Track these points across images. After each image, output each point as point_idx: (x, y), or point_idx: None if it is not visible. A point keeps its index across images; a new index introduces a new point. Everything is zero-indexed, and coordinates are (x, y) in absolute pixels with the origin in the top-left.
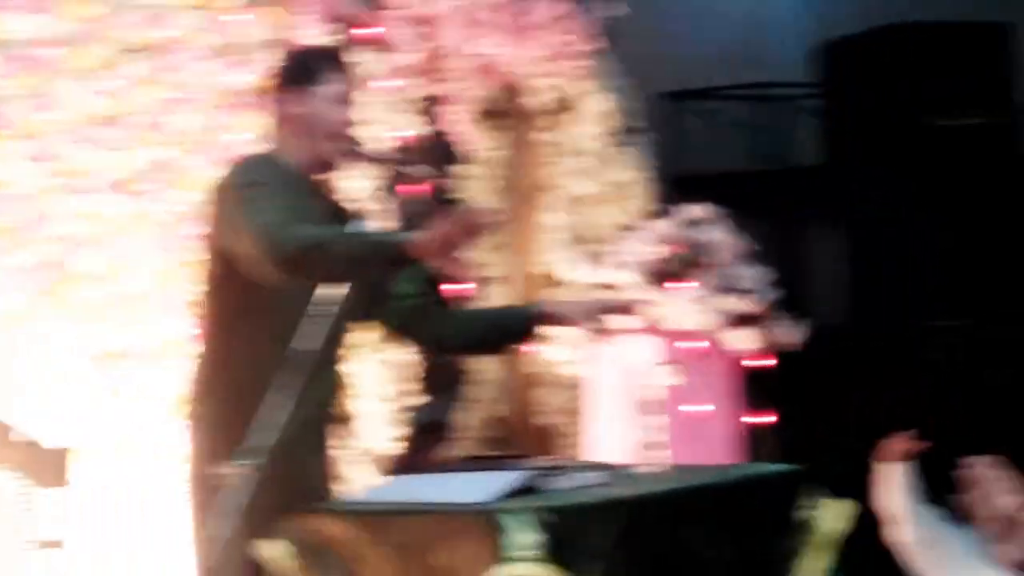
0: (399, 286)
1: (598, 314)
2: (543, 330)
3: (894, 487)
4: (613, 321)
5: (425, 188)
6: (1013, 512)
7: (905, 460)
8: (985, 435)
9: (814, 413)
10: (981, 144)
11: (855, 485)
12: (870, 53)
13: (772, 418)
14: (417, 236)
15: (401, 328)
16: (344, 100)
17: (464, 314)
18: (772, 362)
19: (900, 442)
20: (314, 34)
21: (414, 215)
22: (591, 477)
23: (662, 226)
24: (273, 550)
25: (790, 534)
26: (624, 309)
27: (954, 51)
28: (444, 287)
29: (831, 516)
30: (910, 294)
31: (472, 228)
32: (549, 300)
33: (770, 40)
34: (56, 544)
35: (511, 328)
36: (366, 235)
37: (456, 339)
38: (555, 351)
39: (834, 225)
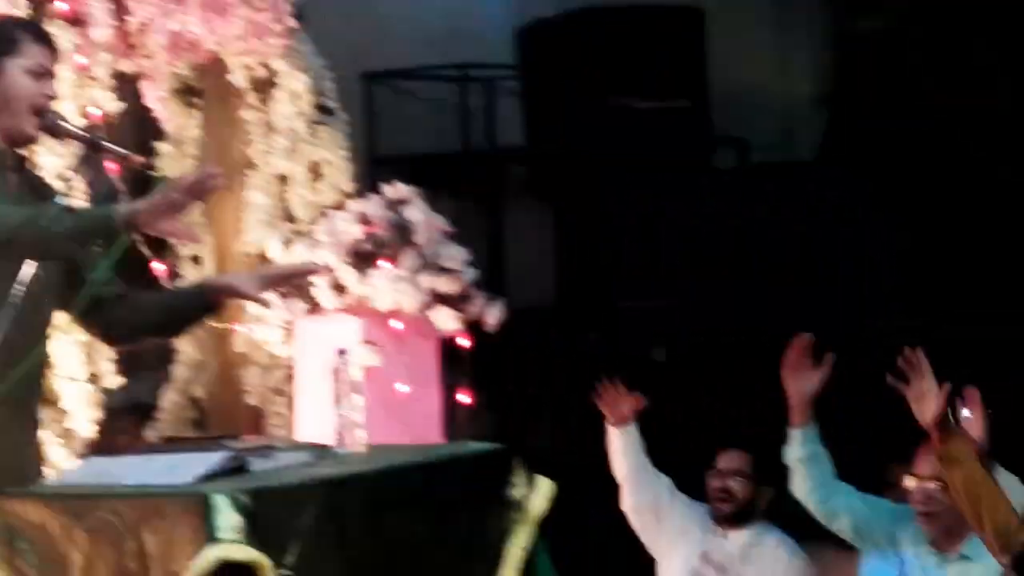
0: (92, 272)
1: (276, 283)
2: (223, 306)
3: (620, 451)
4: (320, 297)
5: (123, 166)
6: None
7: (629, 422)
8: None
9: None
10: (677, 126)
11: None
12: (565, 36)
13: (470, 399)
14: (138, 204)
15: (83, 317)
16: (44, 72)
17: (138, 302)
18: (469, 342)
19: (625, 402)
20: (5, 6)
21: (111, 192)
22: (295, 458)
23: (364, 206)
24: None
25: (497, 513)
26: (304, 272)
27: (646, 34)
28: (150, 266)
29: (537, 494)
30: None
31: (194, 192)
32: (225, 274)
33: (475, 21)
34: None
35: (187, 309)
36: (77, 210)
37: (132, 329)
38: (261, 331)
39: (536, 207)
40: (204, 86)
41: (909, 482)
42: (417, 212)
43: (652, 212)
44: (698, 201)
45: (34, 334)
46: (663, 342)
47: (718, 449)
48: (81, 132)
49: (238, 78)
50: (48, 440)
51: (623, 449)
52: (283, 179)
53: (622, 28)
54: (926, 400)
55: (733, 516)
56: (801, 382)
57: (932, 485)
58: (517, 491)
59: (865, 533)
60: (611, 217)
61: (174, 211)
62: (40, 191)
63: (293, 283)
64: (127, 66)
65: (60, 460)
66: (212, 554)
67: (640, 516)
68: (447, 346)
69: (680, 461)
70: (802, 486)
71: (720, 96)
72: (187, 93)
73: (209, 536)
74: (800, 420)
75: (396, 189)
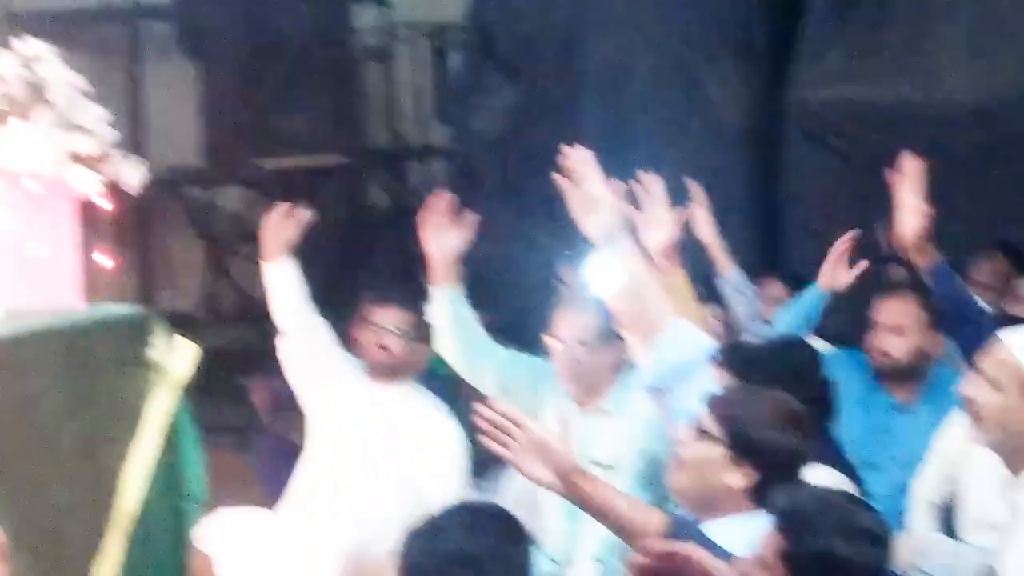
0: None
1: None
2: None
3: (278, 289)
4: None
5: None
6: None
7: (284, 256)
8: None
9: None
10: None
11: None
12: None
13: (110, 261)
14: None
15: None
16: None
17: None
18: (108, 203)
19: (282, 230)
20: None
21: None
22: None
23: None
24: None
25: (138, 375)
26: None
27: None
28: None
29: (179, 357)
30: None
31: None
32: None
33: None
34: None
35: None
36: None
37: None
38: None
39: (180, 65)
40: None
41: (552, 343)
42: (53, 70)
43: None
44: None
45: None
46: (307, 200)
47: (374, 303)
48: None
49: None
50: None
51: (281, 287)
52: None
53: None
54: (592, 211)
55: (387, 371)
56: (441, 240)
57: (575, 348)
58: (157, 353)
59: (510, 389)
60: (258, 75)
61: None
62: None
63: None
64: None
65: None
66: None
67: (296, 362)
68: (86, 207)
69: (337, 312)
70: (447, 347)
71: None
72: None
73: None
74: (442, 280)
75: (31, 46)
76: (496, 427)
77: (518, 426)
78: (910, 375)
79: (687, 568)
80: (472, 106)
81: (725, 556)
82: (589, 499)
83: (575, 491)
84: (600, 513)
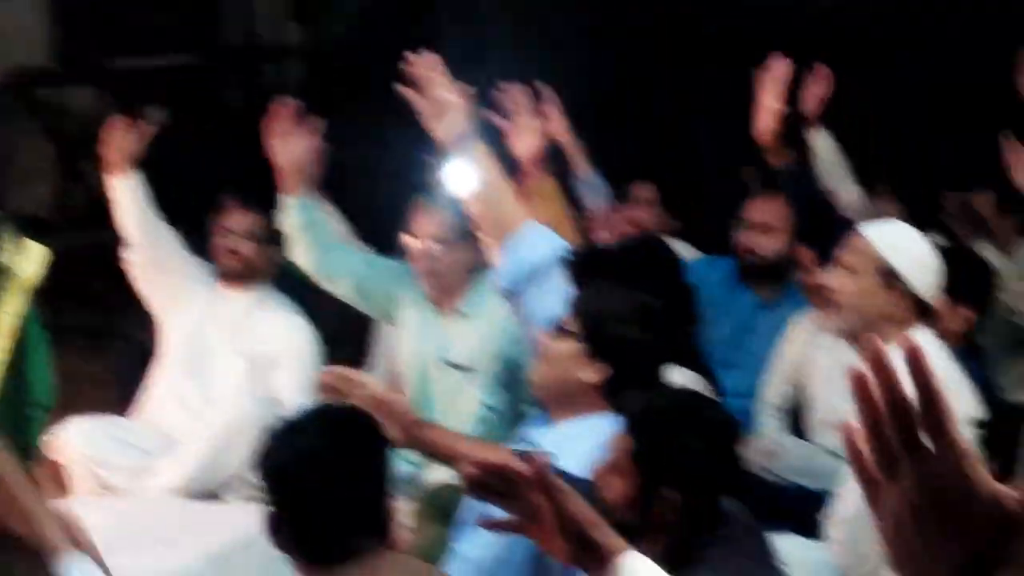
0: None
1: None
2: None
3: (122, 202)
4: None
5: None
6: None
7: (127, 171)
8: None
9: None
10: None
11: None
12: None
13: None
14: None
15: None
16: None
17: None
18: None
19: (122, 146)
20: None
21: None
22: None
23: None
24: None
25: None
26: None
27: None
28: None
29: (28, 260)
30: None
31: None
32: None
33: None
34: None
35: None
36: None
37: None
38: None
39: None
40: None
41: (409, 241)
42: None
43: None
44: None
45: None
46: (160, 101)
47: (227, 208)
48: None
49: None
50: None
51: (125, 200)
52: None
53: None
54: (443, 116)
55: (238, 276)
56: (288, 148)
57: (432, 246)
58: (7, 256)
59: (367, 294)
60: None
61: None
62: None
63: None
64: None
65: None
66: None
67: (143, 271)
68: None
69: (192, 217)
70: (301, 254)
71: None
72: None
73: None
74: (292, 187)
75: None
76: (335, 388)
77: (357, 385)
78: (774, 275)
79: (520, 479)
80: (328, 6)
81: (580, 484)
82: (432, 447)
83: (418, 442)
84: (445, 459)
